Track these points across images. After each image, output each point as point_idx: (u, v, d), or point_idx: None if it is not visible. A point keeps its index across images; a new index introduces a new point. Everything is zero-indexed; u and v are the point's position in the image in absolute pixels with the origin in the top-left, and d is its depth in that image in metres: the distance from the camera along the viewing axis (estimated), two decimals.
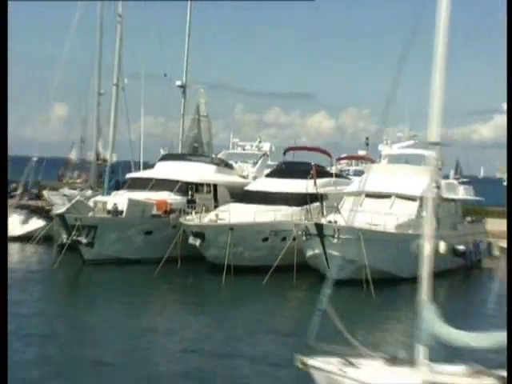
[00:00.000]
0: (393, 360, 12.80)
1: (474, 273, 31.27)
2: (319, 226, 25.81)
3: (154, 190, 30.90)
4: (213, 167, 33.83)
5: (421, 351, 12.70)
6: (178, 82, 40.54)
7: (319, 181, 30.44)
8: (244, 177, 35.19)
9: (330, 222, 26.50)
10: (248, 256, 27.98)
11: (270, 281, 25.76)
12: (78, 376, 14.09)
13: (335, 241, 25.85)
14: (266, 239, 28.52)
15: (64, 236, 28.53)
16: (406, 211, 28.63)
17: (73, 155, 43.84)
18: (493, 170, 40.01)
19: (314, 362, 12.37)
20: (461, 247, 30.47)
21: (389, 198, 29.23)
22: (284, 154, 36.78)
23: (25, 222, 34.47)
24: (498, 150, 37.93)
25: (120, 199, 29.13)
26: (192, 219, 28.09)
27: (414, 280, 26.64)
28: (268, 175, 33.15)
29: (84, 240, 27.23)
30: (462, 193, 34.29)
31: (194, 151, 39.69)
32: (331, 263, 25.38)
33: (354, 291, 24.62)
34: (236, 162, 37.99)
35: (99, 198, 31.45)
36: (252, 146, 39.91)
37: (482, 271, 31.72)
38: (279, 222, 28.07)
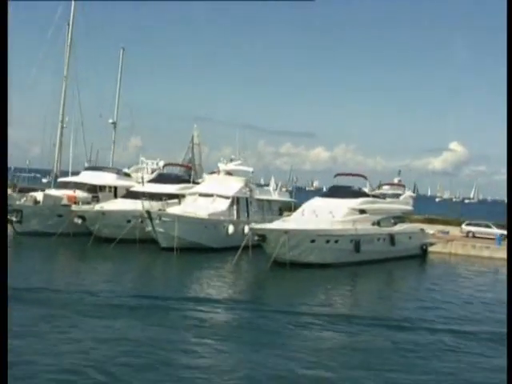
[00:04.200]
0: None
1: None
2: (148, 213, 36.78)
3: (71, 189, 44.45)
4: (114, 175, 47.33)
5: None
6: (110, 120, 54.00)
7: (181, 185, 44.67)
8: (140, 182, 47.68)
9: (160, 209, 38.02)
10: (116, 231, 37.95)
11: (120, 246, 36.50)
12: None
13: (158, 222, 36.80)
14: (129, 221, 38.93)
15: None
16: (221, 205, 40.80)
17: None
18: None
19: None
20: None
21: (212, 196, 41.46)
22: (162, 168, 49.47)
23: None
24: (442, 177, 51.72)
25: (41, 194, 43.82)
26: (78, 207, 41.12)
27: (220, 249, 43.49)
28: (148, 181, 45.64)
29: (14, 219, 40.78)
30: (276, 196, 47.32)
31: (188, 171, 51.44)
32: (159, 236, 37.47)
33: (169, 254, 36.27)
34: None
35: (32, 193, 44.43)
36: (153, 163, 51.12)
37: None
38: (137, 210, 38.45)
